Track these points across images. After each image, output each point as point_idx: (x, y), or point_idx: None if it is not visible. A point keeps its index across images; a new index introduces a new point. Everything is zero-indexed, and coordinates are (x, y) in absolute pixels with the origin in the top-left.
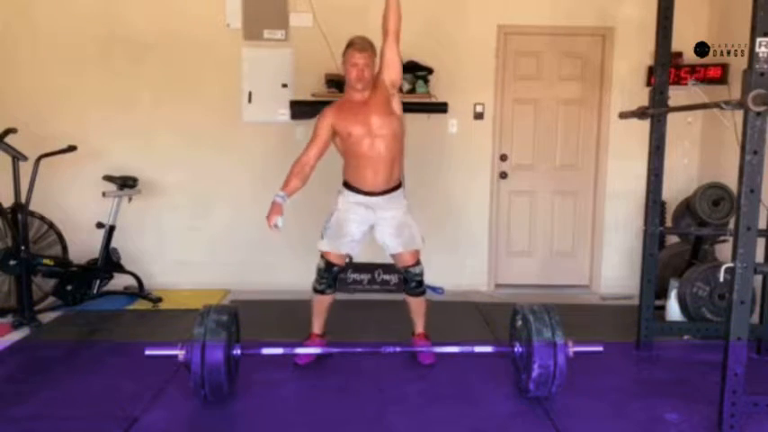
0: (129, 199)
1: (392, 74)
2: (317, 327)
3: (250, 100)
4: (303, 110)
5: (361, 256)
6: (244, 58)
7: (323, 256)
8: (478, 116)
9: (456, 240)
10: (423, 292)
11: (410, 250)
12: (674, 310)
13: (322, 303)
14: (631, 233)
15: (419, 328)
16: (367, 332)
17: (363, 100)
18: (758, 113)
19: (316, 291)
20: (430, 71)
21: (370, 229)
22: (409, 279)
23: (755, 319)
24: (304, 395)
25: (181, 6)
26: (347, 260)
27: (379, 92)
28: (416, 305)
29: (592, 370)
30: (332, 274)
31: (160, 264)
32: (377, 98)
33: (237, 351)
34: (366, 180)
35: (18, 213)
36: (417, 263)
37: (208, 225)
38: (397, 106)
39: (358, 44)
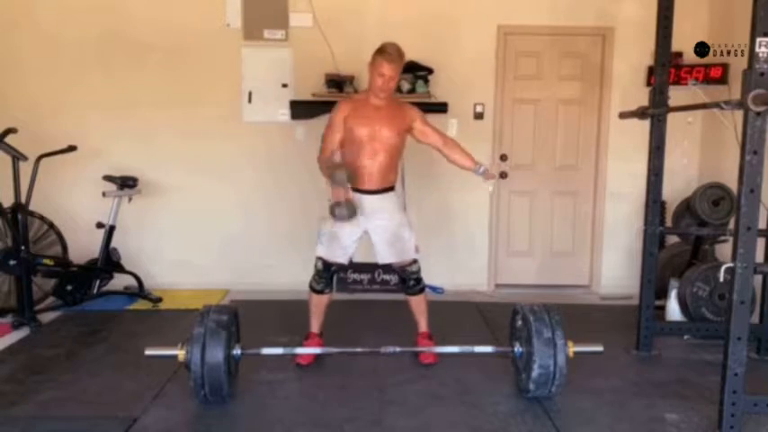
0: (129, 199)
1: (420, 137)
2: (315, 326)
3: (250, 100)
4: (303, 110)
5: (361, 257)
6: (244, 58)
7: (319, 257)
8: (478, 116)
9: (456, 240)
10: (422, 290)
11: (403, 261)
12: (674, 310)
13: (320, 303)
14: (631, 233)
15: (422, 327)
16: (367, 332)
17: (379, 106)
18: (758, 113)
19: (314, 290)
20: (430, 71)
21: (365, 233)
22: (406, 278)
23: (755, 319)
24: (304, 395)
25: (181, 6)
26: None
27: (399, 113)
28: (417, 303)
29: (592, 370)
30: (330, 274)
31: (160, 264)
32: (393, 113)
33: (237, 351)
34: (362, 181)
35: (18, 213)
36: (413, 261)
37: (208, 225)
38: (404, 134)
39: (388, 54)
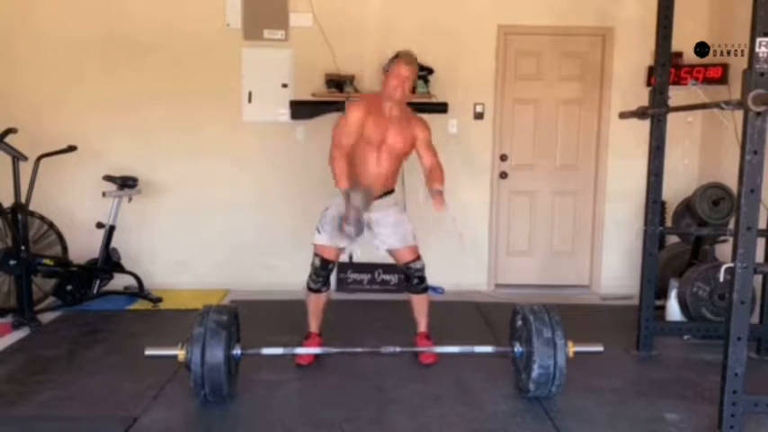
0: (129, 199)
1: (418, 151)
2: (314, 326)
3: (250, 100)
4: (303, 110)
5: (361, 257)
6: (244, 58)
7: (317, 253)
8: (478, 116)
9: (456, 240)
10: (425, 289)
11: (407, 246)
12: (674, 310)
13: (318, 302)
14: (631, 233)
15: (421, 327)
16: (367, 332)
17: (393, 115)
18: (758, 113)
19: (310, 289)
20: (430, 71)
21: (367, 227)
22: (411, 275)
23: (755, 319)
24: (304, 395)
25: (181, 6)
26: (349, 259)
27: (410, 124)
28: (419, 303)
29: (592, 370)
30: (327, 272)
31: (160, 264)
32: (405, 124)
33: (237, 351)
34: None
35: (18, 213)
36: (417, 258)
37: (208, 225)
38: (411, 145)
39: (405, 57)
